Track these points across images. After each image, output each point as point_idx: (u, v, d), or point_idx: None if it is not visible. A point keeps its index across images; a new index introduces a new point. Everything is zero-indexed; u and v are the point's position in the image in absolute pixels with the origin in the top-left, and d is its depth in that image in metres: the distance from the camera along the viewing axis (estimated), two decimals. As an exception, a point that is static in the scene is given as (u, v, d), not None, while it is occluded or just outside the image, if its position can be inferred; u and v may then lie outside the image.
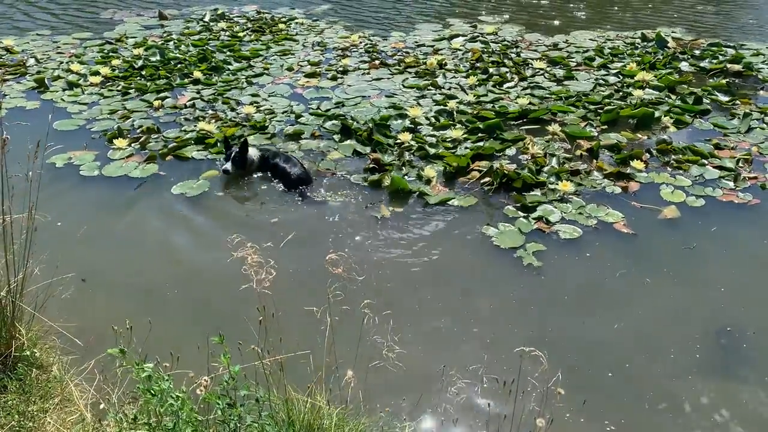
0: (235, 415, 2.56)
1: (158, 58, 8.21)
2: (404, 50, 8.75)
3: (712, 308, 4.21)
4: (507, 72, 7.90)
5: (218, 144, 6.05)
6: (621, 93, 7.32)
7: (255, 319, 2.75)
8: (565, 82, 7.63)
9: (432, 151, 6.00)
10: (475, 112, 6.76)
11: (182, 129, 6.46)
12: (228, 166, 5.43)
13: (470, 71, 7.94)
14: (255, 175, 5.67)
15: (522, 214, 5.12)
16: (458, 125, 6.49)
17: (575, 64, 8.22)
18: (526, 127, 6.55)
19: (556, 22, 10.09)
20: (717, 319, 4.10)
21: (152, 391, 2.55)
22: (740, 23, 10.42)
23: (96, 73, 7.62)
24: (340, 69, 7.97)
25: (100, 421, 3.04)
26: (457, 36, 9.31)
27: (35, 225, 3.32)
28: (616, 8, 11.05)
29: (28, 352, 3.37)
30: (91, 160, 5.84)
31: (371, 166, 5.74)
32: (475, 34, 9.38)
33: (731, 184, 5.53)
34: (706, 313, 4.17)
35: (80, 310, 3.93)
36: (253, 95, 7.24)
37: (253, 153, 5.64)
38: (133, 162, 5.82)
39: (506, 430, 2.96)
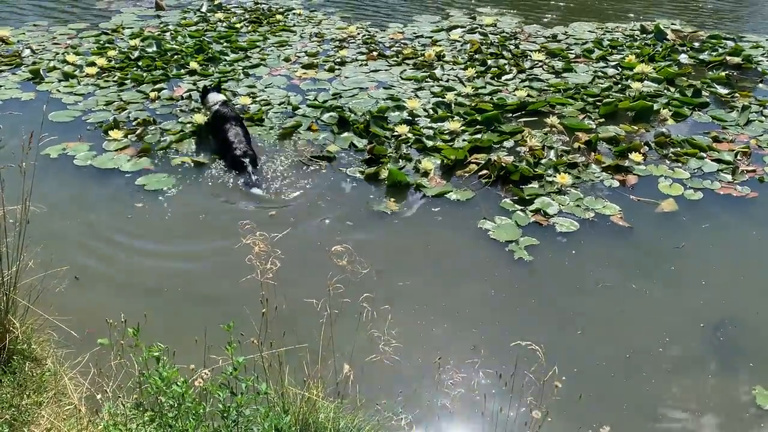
0: (235, 406, 2.53)
1: (155, 48, 8.14)
2: (402, 41, 8.69)
3: (706, 303, 4.19)
4: (505, 64, 7.86)
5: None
6: (620, 85, 7.28)
7: (253, 311, 2.73)
8: (564, 74, 7.59)
9: (429, 143, 5.97)
10: (473, 104, 6.72)
11: (178, 121, 6.42)
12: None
13: (468, 63, 7.89)
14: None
15: (519, 206, 5.10)
16: (456, 117, 6.45)
17: (574, 56, 8.18)
18: (525, 119, 6.52)
19: (556, 13, 10.02)
20: (711, 313, 4.10)
21: (160, 376, 2.52)
22: (740, 15, 10.37)
23: (92, 64, 7.56)
24: (338, 60, 7.92)
25: (97, 413, 3.03)
26: (455, 27, 9.24)
27: (29, 217, 3.29)
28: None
29: (23, 346, 3.36)
30: (86, 150, 5.80)
31: (369, 157, 5.71)
32: (474, 26, 9.32)
33: (729, 177, 5.52)
34: (700, 308, 4.16)
35: (75, 303, 3.92)
36: (249, 86, 7.20)
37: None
38: (125, 155, 5.77)
39: (502, 423, 2.96)
